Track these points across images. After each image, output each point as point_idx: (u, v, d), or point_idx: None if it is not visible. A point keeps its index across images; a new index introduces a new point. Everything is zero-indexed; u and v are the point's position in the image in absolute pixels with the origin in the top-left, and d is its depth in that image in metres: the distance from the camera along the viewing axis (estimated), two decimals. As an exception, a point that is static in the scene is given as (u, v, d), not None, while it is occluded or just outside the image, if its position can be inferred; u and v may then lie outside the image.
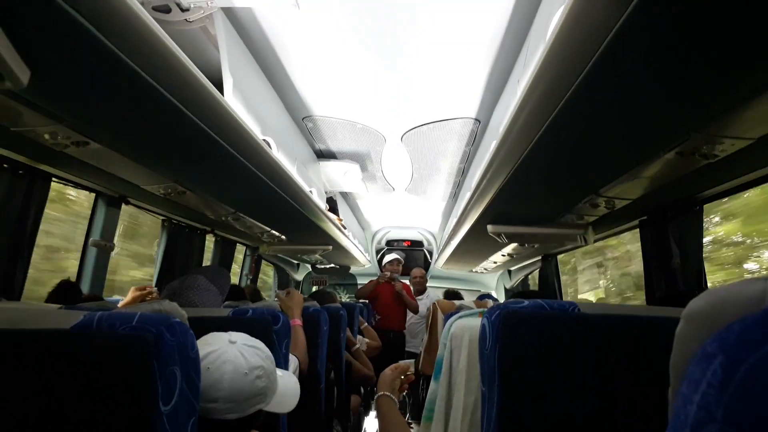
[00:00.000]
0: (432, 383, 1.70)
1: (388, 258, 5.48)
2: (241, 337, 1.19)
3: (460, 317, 1.70)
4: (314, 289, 6.41)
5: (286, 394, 1.31)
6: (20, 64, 1.10)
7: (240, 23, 1.83)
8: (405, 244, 6.51)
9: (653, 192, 1.90)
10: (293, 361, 1.86)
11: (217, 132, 1.52)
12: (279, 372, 1.30)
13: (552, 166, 1.68)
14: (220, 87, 1.57)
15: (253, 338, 1.23)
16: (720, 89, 1.14)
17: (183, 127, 1.46)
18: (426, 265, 6.47)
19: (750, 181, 1.77)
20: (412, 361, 1.32)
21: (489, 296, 3.67)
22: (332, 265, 5.85)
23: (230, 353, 1.12)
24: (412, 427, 4.60)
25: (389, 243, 6.52)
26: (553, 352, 0.88)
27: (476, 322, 1.29)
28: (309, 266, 6.21)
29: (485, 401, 0.93)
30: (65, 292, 1.93)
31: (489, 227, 2.72)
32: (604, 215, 2.29)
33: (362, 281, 6.54)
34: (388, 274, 5.25)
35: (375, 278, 5.38)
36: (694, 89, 1.14)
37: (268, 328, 1.50)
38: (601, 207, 2.15)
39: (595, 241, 2.85)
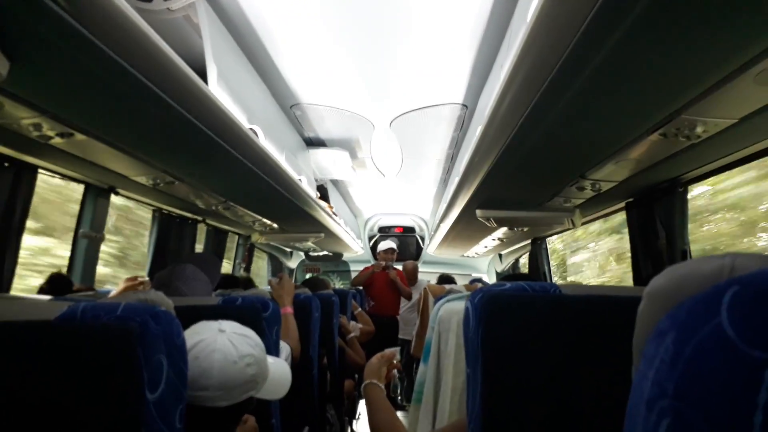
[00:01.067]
0: (421, 366, 1.72)
1: (382, 246, 5.50)
2: (230, 326, 1.19)
3: (448, 300, 1.72)
4: (307, 276, 6.43)
5: (277, 380, 1.33)
6: (-1, 56, 1.09)
7: (224, 11, 1.82)
8: (397, 230, 6.53)
9: (638, 174, 1.92)
10: (285, 348, 1.87)
11: (202, 122, 1.52)
12: (270, 359, 1.31)
13: (537, 149, 1.69)
14: (204, 76, 1.57)
15: (243, 326, 1.24)
16: (702, 70, 1.15)
17: (167, 117, 1.45)
18: (418, 250, 6.51)
19: (733, 162, 1.79)
20: (398, 348, 1.35)
21: (480, 280, 3.70)
22: (325, 252, 5.86)
23: (219, 342, 1.13)
24: (407, 409, 4.67)
25: (381, 229, 6.54)
26: (535, 333, 0.89)
27: (463, 305, 1.31)
28: (302, 254, 6.22)
29: (470, 382, 0.95)
30: (57, 284, 1.93)
31: (478, 212, 2.73)
32: (591, 198, 2.31)
33: (356, 268, 6.56)
34: (383, 263, 5.28)
35: (370, 265, 5.41)
36: (677, 71, 1.15)
37: (257, 316, 1.51)
38: (587, 190, 2.16)
39: (583, 224, 2.88)
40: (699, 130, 1.46)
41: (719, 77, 1.17)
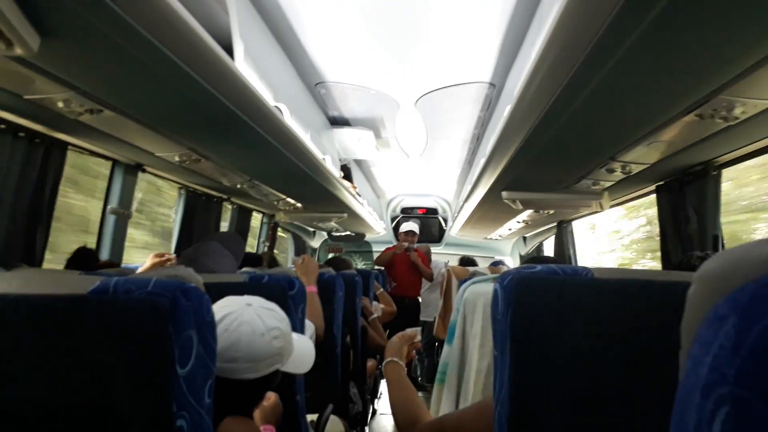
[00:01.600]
0: (445, 347, 1.72)
1: (403, 228, 5.49)
2: (257, 300, 1.21)
3: (474, 283, 1.71)
4: (330, 256, 6.46)
5: (301, 355, 1.34)
6: (29, 30, 1.10)
7: (250, -13, 1.81)
8: (420, 211, 6.51)
9: (670, 157, 1.87)
10: (310, 326, 1.89)
11: (228, 98, 1.51)
12: (295, 335, 1.32)
13: (567, 130, 1.65)
14: (231, 53, 1.56)
15: (269, 301, 1.25)
16: (741, 49, 1.11)
17: (194, 93, 1.45)
18: (441, 232, 6.48)
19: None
20: (419, 329, 1.35)
21: (501, 262, 3.68)
22: (348, 232, 5.88)
23: (247, 315, 1.15)
24: (426, 389, 4.70)
25: (404, 210, 6.52)
26: (565, 317, 0.88)
27: (490, 288, 1.29)
28: (325, 234, 6.25)
29: (497, 365, 0.94)
30: (83, 259, 1.97)
31: (503, 194, 2.70)
32: (620, 180, 2.26)
33: (377, 248, 6.58)
34: (405, 244, 5.29)
35: (392, 246, 5.42)
36: (715, 49, 1.11)
37: (283, 294, 1.52)
38: (617, 172, 2.12)
39: (611, 207, 2.83)
40: (737, 111, 1.41)
41: (760, 57, 1.13)
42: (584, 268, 0.94)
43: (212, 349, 0.91)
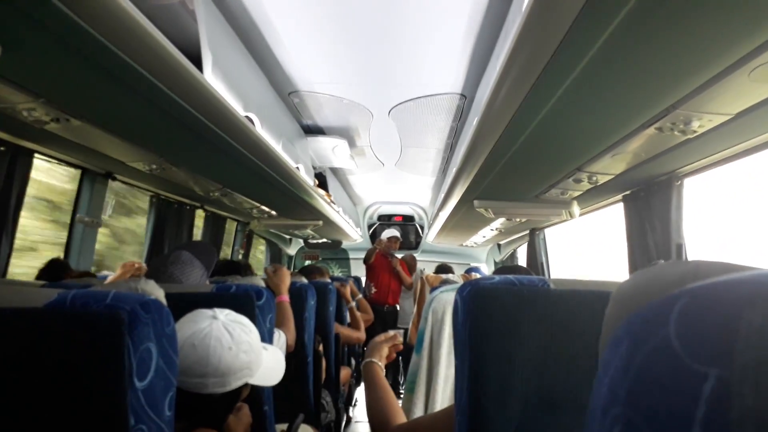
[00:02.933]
0: (414, 356, 1.73)
1: (386, 234, 5.50)
2: (225, 314, 1.21)
3: (442, 291, 1.73)
4: (306, 263, 6.45)
5: (271, 367, 1.34)
6: (-10, 40, 1.09)
7: (221, -4, 1.81)
8: (396, 219, 6.53)
9: (635, 167, 1.92)
10: (280, 336, 1.88)
11: (197, 108, 1.51)
12: (264, 346, 1.33)
13: (534, 141, 1.69)
14: (199, 63, 1.56)
15: (238, 314, 1.25)
16: (697, 65, 1.15)
17: (163, 103, 1.45)
18: (417, 239, 6.52)
19: (730, 156, 1.78)
20: (402, 330, 1.36)
21: (476, 269, 3.71)
22: (324, 240, 5.87)
23: (215, 329, 1.15)
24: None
25: (381, 218, 6.54)
26: (522, 327, 0.90)
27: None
28: (301, 241, 6.23)
29: (458, 374, 0.96)
30: (54, 269, 1.94)
31: (475, 202, 2.74)
32: (588, 190, 2.31)
33: (354, 256, 6.59)
34: (385, 239, 5.32)
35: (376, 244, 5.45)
36: (672, 65, 1.15)
37: (251, 304, 1.52)
38: (584, 182, 2.16)
39: (581, 215, 2.88)
40: (694, 125, 1.46)
41: (714, 73, 1.17)
42: (541, 279, 0.96)
43: (173, 361, 0.90)
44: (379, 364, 1.29)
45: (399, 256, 5.48)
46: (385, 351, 1.33)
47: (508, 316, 0.90)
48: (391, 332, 1.40)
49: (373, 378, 1.25)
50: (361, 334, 3.34)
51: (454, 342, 0.99)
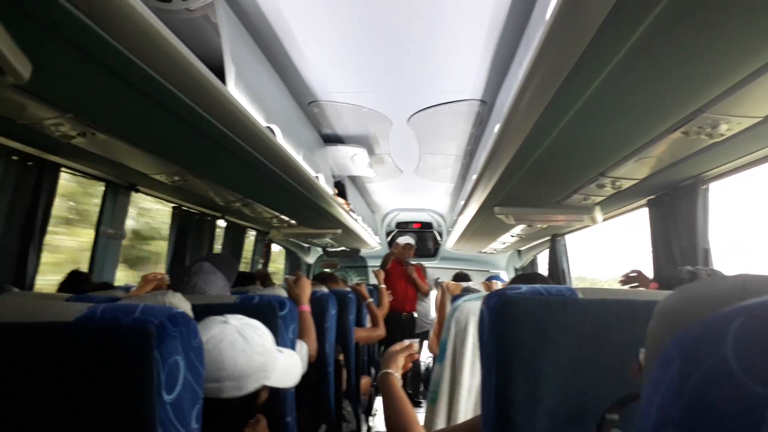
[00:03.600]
0: (436, 366, 1.71)
1: (401, 240, 5.47)
2: (237, 318, 1.22)
3: (465, 300, 1.72)
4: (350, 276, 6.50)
5: (288, 369, 1.34)
6: (21, 58, 1.11)
7: (242, 9, 1.83)
8: (415, 226, 6.52)
9: (660, 172, 1.89)
10: (303, 347, 1.88)
11: (220, 121, 1.53)
12: (279, 348, 1.33)
13: (556, 147, 1.67)
14: (222, 76, 1.58)
15: (250, 318, 1.26)
16: (725, 68, 1.13)
17: (186, 116, 1.47)
18: (436, 246, 6.49)
19: (757, 159, 1.75)
20: (417, 340, 1.36)
21: (497, 278, 3.68)
22: (343, 248, 5.88)
23: (229, 333, 1.16)
24: (422, 405, 4.68)
25: (399, 225, 6.53)
26: (550, 337, 0.88)
27: (479, 305, 1.31)
28: (320, 249, 6.25)
29: (485, 385, 0.95)
30: (75, 282, 1.97)
31: (496, 209, 2.72)
32: (611, 195, 2.28)
33: (373, 263, 6.58)
34: (402, 243, 5.30)
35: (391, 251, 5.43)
36: (699, 68, 1.13)
37: (273, 314, 1.52)
38: (607, 187, 2.14)
39: (604, 221, 2.84)
40: (722, 128, 1.43)
41: (742, 75, 1.15)
42: (569, 289, 0.95)
43: (200, 374, 0.91)
44: (396, 375, 1.29)
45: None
46: (401, 361, 1.32)
47: (535, 326, 0.88)
48: (407, 342, 1.39)
49: (390, 390, 1.24)
50: (381, 331, 3.34)
51: (480, 353, 0.98)
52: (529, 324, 0.89)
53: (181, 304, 1.08)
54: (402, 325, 5.09)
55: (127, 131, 1.65)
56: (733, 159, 1.77)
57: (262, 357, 1.19)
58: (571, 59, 1.12)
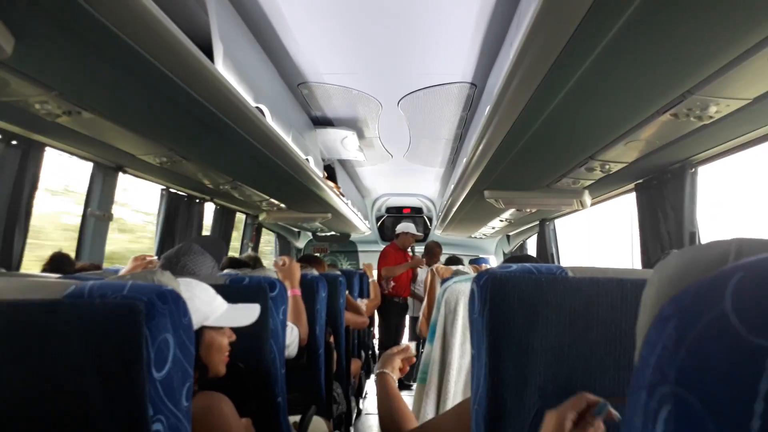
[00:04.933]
0: (426, 346, 1.73)
1: (407, 229, 5.37)
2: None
3: (455, 282, 1.72)
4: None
5: (239, 309, 1.32)
6: (4, 32, 1.09)
7: (230, -13, 1.80)
8: (405, 211, 6.52)
9: (649, 155, 1.89)
10: (294, 330, 1.88)
11: (207, 100, 1.51)
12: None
13: (546, 130, 1.67)
14: (211, 53, 1.55)
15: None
16: (714, 49, 1.13)
17: (173, 94, 1.45)
18: (426, 231, 6.50)
19: (746, 142, 1.76)
20: (414, 343, 1.38)
21: (484, 260, 3.71)
22: (333, 232, 5.88)
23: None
24: (411, 388, 4.72)
25: (389, 210, 6.53)
26: (540, 315, 0.89)
27: (469, 286, 1.32)
28: (310, 234, 6.24)
29: (475, 363, 0.95)
30: (58, 263, 1.94)
31: (486, 193, 2.72)
32: (600, 179, 2.29)
33: (363, 248, 6.59)
34: (411, 233, 5.27)
35: (411, 261, 5.31)
36: (689, 50, 1.13)
37: (264, 295, 1.52)
38: (596, 171, 2.14)
39: (592, 205, 2.86)
40: (711, 110, 1.44)
41: (732, 57, 1.15)
42: (559, 267, 0.95)
43: (190, 352, 0.90)
44: (392, 375, 1.30)
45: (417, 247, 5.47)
46: (397, 363, 1.33)
47: (526, 304, 0.89)
48: (404, 344, 1.40)
49: (385, 388, 1.26)
50: (364, 319, 3.37)
51: (470, 332, 0.98)
52: (519, 302, 0.89)
53: (171, 282, 1.07)
54: (404, 309, 5.15)
55: (113, 110, 1.62)
56: (722, 143, 1.78)
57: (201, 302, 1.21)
58: (561, 41, 1.12)
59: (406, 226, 5.40)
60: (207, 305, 1.24)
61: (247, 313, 1.33)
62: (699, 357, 0.26)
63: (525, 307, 0.89)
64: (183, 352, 0.88)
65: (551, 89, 1.35)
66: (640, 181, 2.35)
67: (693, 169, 2.04)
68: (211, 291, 1.28)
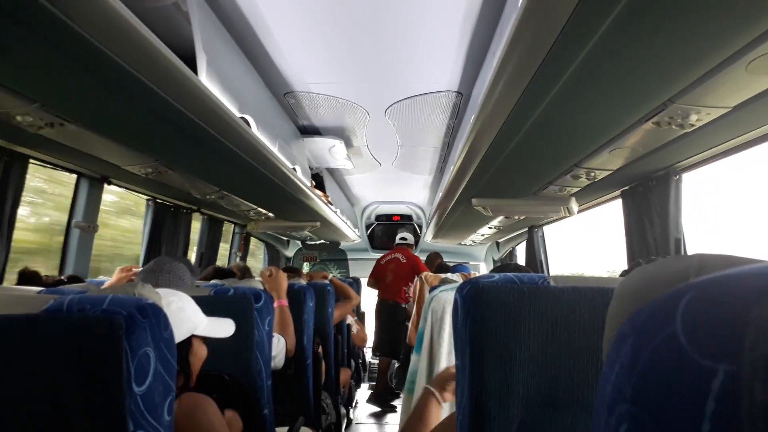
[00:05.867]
0: (413, 356, 1.72)
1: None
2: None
3: (441, 291, 1.72)
4: (305, 265, 6.44)
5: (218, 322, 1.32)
6: (-18, 45, 1.08)
7: (214, -2, 1.80)
8: (394, 218, 6.52)
9: (634, 162, 1.91)
10: (280, 341, 1.87)
11: (192, 111, 1.50)
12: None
13: (531, 138, 1.68)
14: (194, 65, 1.55)
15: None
16: (694, 58, 1.14)
17: (157, 106, 1.44)
18: (416, 238, 6.50)
19: (728, 149, 1.78)
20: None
21: (464, 268, 3.71)
22: (322, 241, 5.86)
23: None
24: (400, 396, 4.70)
25: (379, 218, 6.52)
26: (522, 325, 0.89)
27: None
28: (299, 243, 6.22)
29: (459, 373, 0.95)
30: (26, 281, 1.89)
31: (473, 201, 2.73)
32: (587, 186, 2.30)
33: (353, 256, 6.57)
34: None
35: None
36: (669, 59, 1.14)
37: (249, 306, 1.51)
38: (582, 178, 2.16)
39: (579, 212, 2.88)
40: (692, 118, 1.45)
41: (711, 66, 1.17)
42: (541, 276, 0.96)
43: (171, 366, 0.90)
44: (437, 396, 1.20)
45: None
46: (449, 386, 1.23)
47: (508, 314, 0.89)
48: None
49: (422, 408, 1.19)
50: (354, 301, 3.39)
51: (454, 341, 0.98)
52: (501, 311, 0.89)
53: (151, 295, 1.06)
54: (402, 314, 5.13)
55: (97, 122, 1.62)
56: (705, 149, 1.80)
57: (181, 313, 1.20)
58: (543, 50, 1.13)
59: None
60: (195, 315, 1.24)
61: (226, 326, 1.33)
62: (652, 377, 0.26)
63: (507, 317, 0.89)
64: (164, 365, 0.87)
65: (535, 97, 1.36)
66: (626, 188, 2.37)
67: (677, 176, 2.06)
68: (194, 302, 1.28)
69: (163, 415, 0.86)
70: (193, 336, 1.23)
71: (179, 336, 1.14)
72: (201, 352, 1.26)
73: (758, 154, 1.75)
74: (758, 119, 1.50)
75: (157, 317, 0.86)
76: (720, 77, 1.20)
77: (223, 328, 1.32)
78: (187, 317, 1.20)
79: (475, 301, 0.90)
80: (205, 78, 1.59)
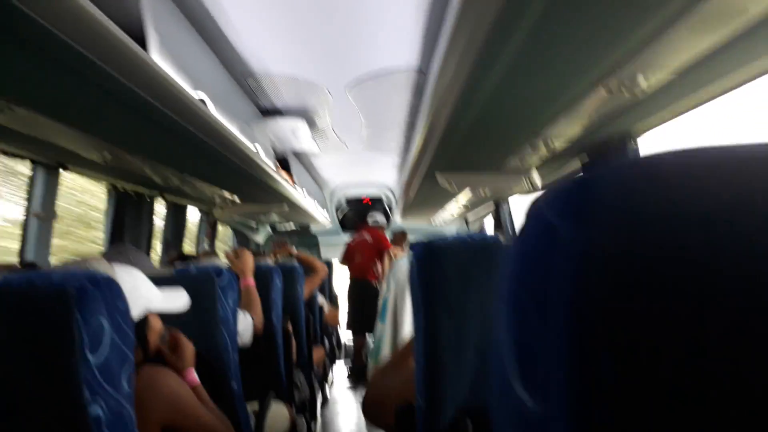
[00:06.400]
0: (378, 325, 1.75)
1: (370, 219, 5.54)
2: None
3: (403, 260, 1.75)
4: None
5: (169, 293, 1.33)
6: None
7: (165, -24, 1.76)
8: (364, 201, 6.52)
9: (591, 132, 1.95)
10: (244, 318, 1.88)
11: (142, 88, 1.48)
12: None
13: (487, 109, 1.71)
14: (144, 43, 1.52)
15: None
16: (638, 20, 1.17)
17: (107, 85, 1.41)
18: (387, 219, 6.53)
19: (680, 112, 1.83)
20: None
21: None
22: (292, 226, 5.84)
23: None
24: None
25: (349, 201, 6.52)
26: (473, 280, 0.92)
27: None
28: (269, 228, 6.19)
29: (415, 328, 0.98)
30: None
31: (437, 176, 2.76)
32: (548, 159, 2.34)
33: (325, 240, 6.56)
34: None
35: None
36: (612, 21, 1.17)
37: (212, 285, 1.51)
38: (541, 149, 2.19)
39: (543, 187, 2.93)
40: (641, 82, 1.49)
41: (652, 29, 1.20)
42: (494, 237, 0.99)
43: (128, 337, 0.90)
44: None
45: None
46: None
47: (459, 269, 0.92)
48: None
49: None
50: (322, 272, 3.43)
51: (411, 297, 1.01)
52: (452, 267, 0.92)
53: (107, 269, 1.06)
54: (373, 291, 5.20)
55: (46, 105, 1.57)
56: (657, 112, 1.85)
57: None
58: (489, 18, 1.14)
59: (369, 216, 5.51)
60: (149, 291, 1.24)
61: (181, 298, 1.34)
62: (522, 251, 0.29)
63: (458, 273, 0.92)
64: (121, 336, 0.87)
65: (486, 67, 1.38)
66: (587, 159, 2.41)
67: (633, 142, 2.11)
68: (147, 279, 1.28)
69: (121, 383, 0.86)
70: (149, 313, 1.23)
71: (135, 314, 1.14)
72: (156, 325, 1.27)
73: (706, 116, 1.80)
74: (706, 79, 1.54)
75: (110, 289, 0.86)
76: (662, 39, 1.24)
77: (178, 300, 1.32)
78: (141, 294, 1.19)
79: (427, 258, 0.93)
80: (156, 56, 1.56)
